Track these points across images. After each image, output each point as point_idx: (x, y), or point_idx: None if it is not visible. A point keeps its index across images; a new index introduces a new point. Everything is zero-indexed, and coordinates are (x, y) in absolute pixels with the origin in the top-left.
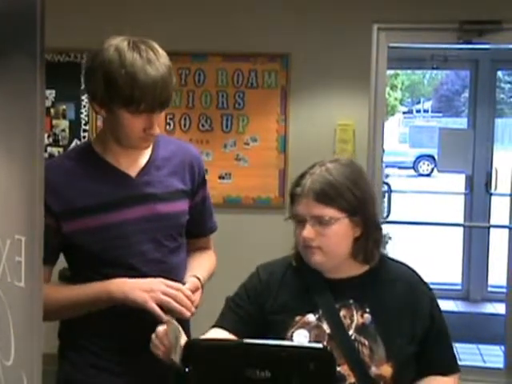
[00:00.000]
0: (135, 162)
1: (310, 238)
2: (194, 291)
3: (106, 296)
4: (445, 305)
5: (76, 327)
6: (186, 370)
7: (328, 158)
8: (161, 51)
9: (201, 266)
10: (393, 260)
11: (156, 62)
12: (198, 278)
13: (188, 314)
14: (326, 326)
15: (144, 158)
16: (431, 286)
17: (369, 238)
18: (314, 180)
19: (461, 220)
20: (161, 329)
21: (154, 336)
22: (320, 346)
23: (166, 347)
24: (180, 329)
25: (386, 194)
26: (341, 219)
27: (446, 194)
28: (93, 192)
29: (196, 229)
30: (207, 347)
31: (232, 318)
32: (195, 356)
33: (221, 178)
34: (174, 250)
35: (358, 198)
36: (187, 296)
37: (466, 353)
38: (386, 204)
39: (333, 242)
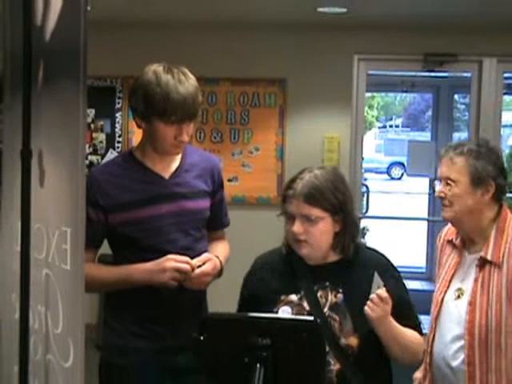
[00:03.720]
0: (168, 166)
1: (299, 232)
2: (203, 262)
3: (127, 281)
4: (411, 284)
5: (118, 301)
6: (201, 338)
7: (316, 166)
8: (190, 75)
9: (219, 252)
10: (368, 248)
11: (185, 82)
12: (220, 261)
13: (199, 287)
14: (305, 305)
15: (175, 163)
16: (400, 269)
17: (346, 233)
18: (304, 184)
19: (425, 215)
20: None
21: None
22: (311, 318)
23: None
24: None
25: (365, 194)
26: (325, 218)
27: (413, 194)
28: (134, 190)
29: (214, 223)
30: (219, 319)
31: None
32: (209, 327)
33: (229, 180)
34: (198, 239)
35: (339, 200)
36: (193, 267)
37: (427, 323)
38: (364, 202)
39: (317, 236)
